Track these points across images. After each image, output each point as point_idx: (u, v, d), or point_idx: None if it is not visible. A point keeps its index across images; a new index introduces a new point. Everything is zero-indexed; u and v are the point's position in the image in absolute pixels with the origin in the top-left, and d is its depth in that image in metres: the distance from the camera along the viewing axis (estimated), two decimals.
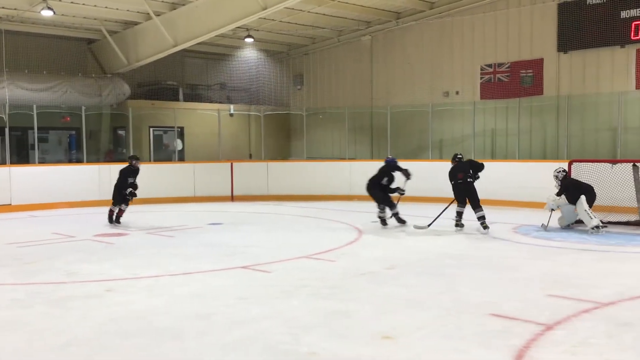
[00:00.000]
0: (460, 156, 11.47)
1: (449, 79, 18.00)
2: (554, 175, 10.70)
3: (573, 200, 10.30)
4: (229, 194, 17.35)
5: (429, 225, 10.88)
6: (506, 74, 16.66)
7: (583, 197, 10.19)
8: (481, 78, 17.20)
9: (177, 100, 19.93)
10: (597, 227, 10.03)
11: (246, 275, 7.35)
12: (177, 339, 4.95)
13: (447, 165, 16.17)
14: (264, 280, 7.04)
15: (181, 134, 19.61)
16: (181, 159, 18.92)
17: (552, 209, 10.65)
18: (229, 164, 17.66)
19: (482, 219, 10.56)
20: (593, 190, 10.40)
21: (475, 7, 17.07)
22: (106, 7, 16.18)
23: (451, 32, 17.82)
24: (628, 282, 6.68)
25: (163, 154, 19.54)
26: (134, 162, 12.47)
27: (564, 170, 10.75)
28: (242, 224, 12.18)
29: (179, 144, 19.31)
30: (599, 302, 5.81)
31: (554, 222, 10.79)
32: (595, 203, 10.51)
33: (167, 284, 6.92)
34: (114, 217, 12.11)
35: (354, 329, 5.15)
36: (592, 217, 10.10)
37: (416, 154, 18.20)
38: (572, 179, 10.87)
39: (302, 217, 13.29)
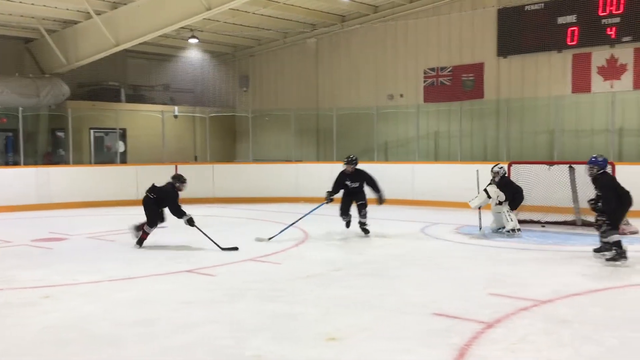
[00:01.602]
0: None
1: (394, 82, 18.25)
2: (495, 171, 10.64)
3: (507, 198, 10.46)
4: None
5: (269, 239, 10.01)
6: (448, 78, 17.01)
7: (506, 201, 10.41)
8: (424, 82, 17.51)
9: (119, 101, 19.49)
10: (512, 230, 10.19)
11: (190, 279, 7.25)
12: (116, 345, 4.83)
13: (393, 167, 16.46)
14: (208, 284, 6.96)
15: (123, 136, 19.19)
16: (123, 161, 18.52)
17: (480, 207, 10.61)
18: (174, 166, 17.35)
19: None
20: (522, 192, 10.64)
21: (418, 12, 17.36)
22: (44, 6, 15.69)
23: (395, 36, 18.08)
24: (565, 280, 6.91)
25: (105, 156, 19.06)
26: (178, 184, 9.59)
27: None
28: (187, 227, 11.97)
29: (121, 146, 18.89)
30: (537, 300, 5.98)
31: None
32: (534, 203, 10.84)
33: (107, 290, 6.74)
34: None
35: (299, 332, 5.14)
36: (510, 219, 10.28)
37: (361, 156, 18.28)
38: (509, 178, 11.03)
39: (248, 220, 13.20)
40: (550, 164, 11.77)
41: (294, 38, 20.09)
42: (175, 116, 20.38)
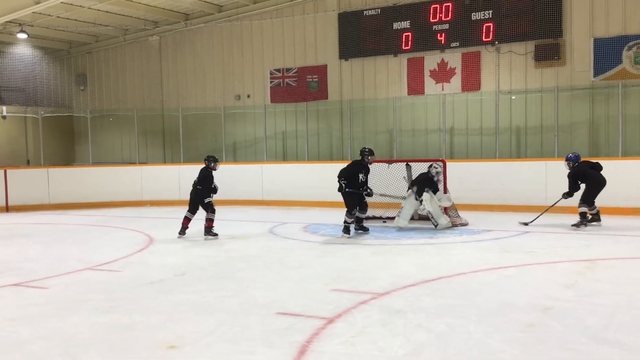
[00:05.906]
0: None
1: (241, 82, 18.21)
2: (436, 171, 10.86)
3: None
4: (4, 204, 15.74)
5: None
6: (294, 79, 17.29)
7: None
8: (271, 82, 17.66)
9: None
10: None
11: (18, 294, 6.68)
12: None
13: (242, 168, 16.41)
14: (38, 298, 6.45)
15: None
16: None
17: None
18: (3, 171, 16.02)
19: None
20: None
21: (263, 13, 17.46)
22: None
23: (240, 36, 18.04)
24: (401, 273, 7.27)
25: None
26: (212, 164, 10.54)
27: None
28: (16, 237, 11.09)
29: None
30: (375, 293, 6.24)
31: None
32: (376, 200, 11.36)
33: None
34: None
35: (137, 342, 4.92)
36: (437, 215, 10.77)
37: None
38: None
39: (88, 226, 12.48)
40: (390, 162, 12.39)
41: (135, 35, 19.34)
42: (4, 117, 18.82)
